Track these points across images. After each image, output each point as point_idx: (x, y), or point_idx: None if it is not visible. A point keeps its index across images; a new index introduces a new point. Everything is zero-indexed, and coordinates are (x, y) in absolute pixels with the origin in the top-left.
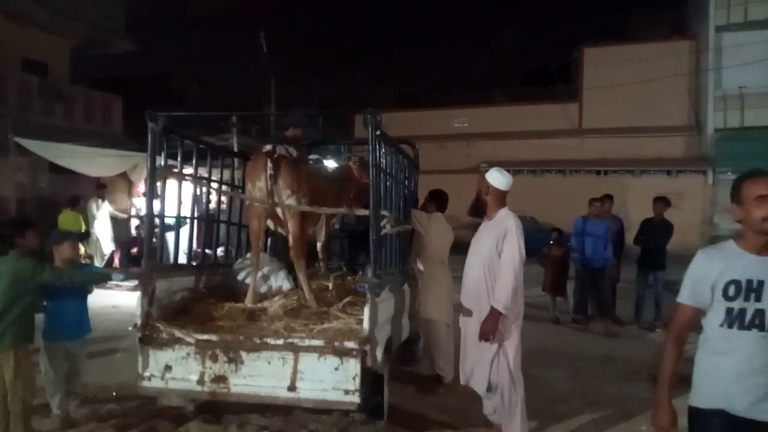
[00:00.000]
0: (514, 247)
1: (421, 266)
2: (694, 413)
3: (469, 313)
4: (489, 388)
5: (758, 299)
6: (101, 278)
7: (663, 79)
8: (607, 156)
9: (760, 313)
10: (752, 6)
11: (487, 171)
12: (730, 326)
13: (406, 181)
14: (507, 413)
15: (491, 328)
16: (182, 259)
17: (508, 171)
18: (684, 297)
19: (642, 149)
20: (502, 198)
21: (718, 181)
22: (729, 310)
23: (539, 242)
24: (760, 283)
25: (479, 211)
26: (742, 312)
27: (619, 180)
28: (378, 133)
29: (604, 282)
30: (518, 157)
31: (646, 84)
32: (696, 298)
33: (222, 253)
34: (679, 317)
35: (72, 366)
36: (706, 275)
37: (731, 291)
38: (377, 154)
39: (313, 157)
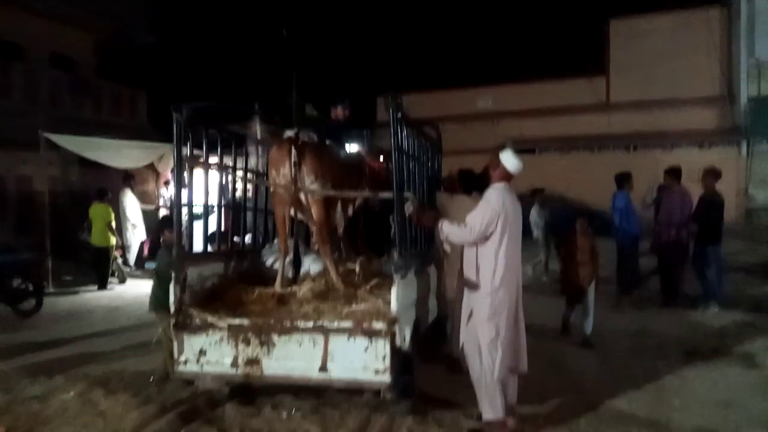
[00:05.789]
0: (476, 212)
1: (447, 247)
2: None
3: (473, 288)
4: None
5: None
6: None
7: (692, 49)
8: (636, 130)
9: None
10: None
11: (503, 150)
12: None
13: (429, 163)
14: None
15: (422, 217)
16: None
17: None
18: None
19: (672, 122)
20: (505, 179)
21: (753, 152)
22: None
23: (568, 222)
24: None
25: (475, 185)
26: None
27: (649, 155)
28: (399, 116)
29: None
30: (545, 135)
31: (674, 54)
32: None
33: (249, 240)
34: None
35: None
36: None
37: None
38: (399, 137)
39: (327, 142)
